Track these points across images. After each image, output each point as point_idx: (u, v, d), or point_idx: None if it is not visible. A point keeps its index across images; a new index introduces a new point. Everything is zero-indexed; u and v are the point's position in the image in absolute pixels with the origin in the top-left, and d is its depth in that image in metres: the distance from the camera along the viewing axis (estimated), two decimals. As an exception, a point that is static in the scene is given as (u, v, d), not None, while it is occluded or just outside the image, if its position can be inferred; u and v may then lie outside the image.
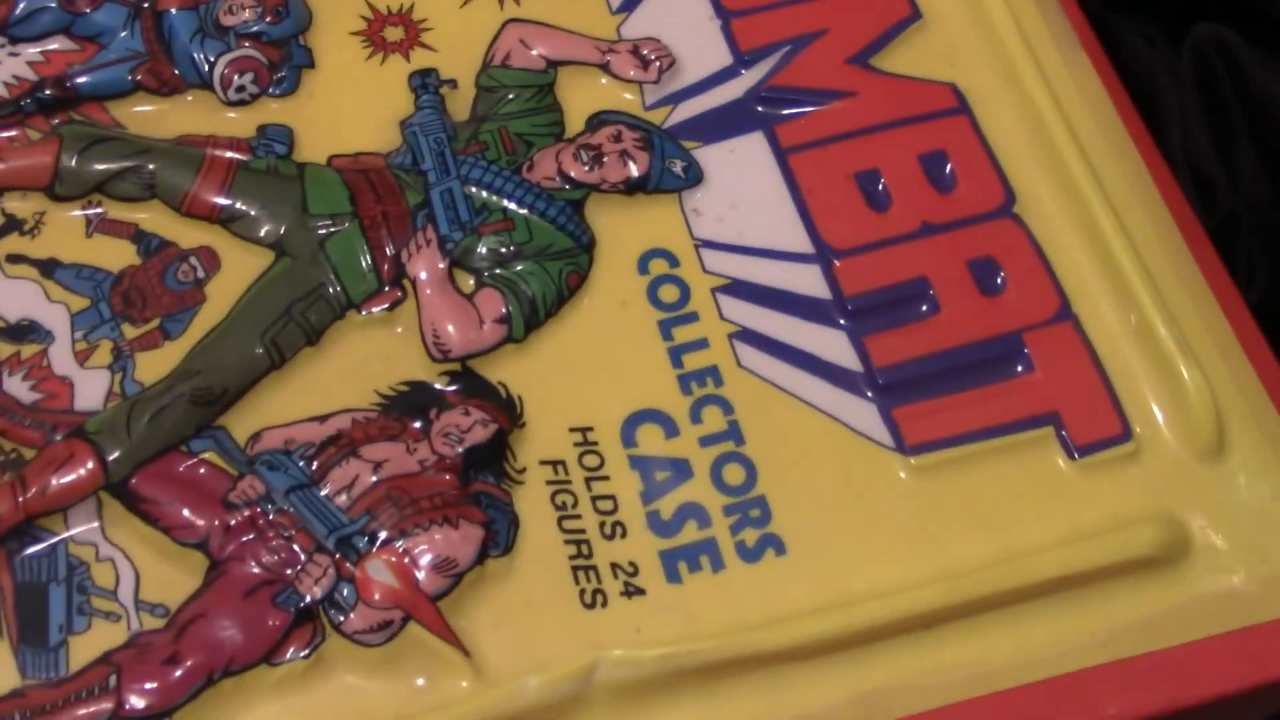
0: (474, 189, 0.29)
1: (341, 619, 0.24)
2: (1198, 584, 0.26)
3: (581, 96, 0.31)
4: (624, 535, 0.26)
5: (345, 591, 0.24)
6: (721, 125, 0.30)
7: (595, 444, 0.27)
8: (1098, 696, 0.25)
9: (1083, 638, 0.25)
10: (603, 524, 0.26)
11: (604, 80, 0.31)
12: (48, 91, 0.30)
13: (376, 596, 0.24)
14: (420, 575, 0.25)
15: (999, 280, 0.28)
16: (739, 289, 0.29)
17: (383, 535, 0.25)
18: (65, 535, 0.25)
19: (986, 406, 0.27)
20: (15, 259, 0.28)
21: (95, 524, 0.25)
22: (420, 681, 0.24)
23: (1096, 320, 0.28)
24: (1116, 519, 0.26)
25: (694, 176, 0.30)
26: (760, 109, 0.31)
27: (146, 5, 0.31)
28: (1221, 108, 0.32)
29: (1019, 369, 0.28)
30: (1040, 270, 0.29)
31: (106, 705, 0.23)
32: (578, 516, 0.26)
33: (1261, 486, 0.27)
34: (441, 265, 0.28)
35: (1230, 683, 0.25)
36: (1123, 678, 0.25)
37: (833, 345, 0.28)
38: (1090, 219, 0.29)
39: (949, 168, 0.30)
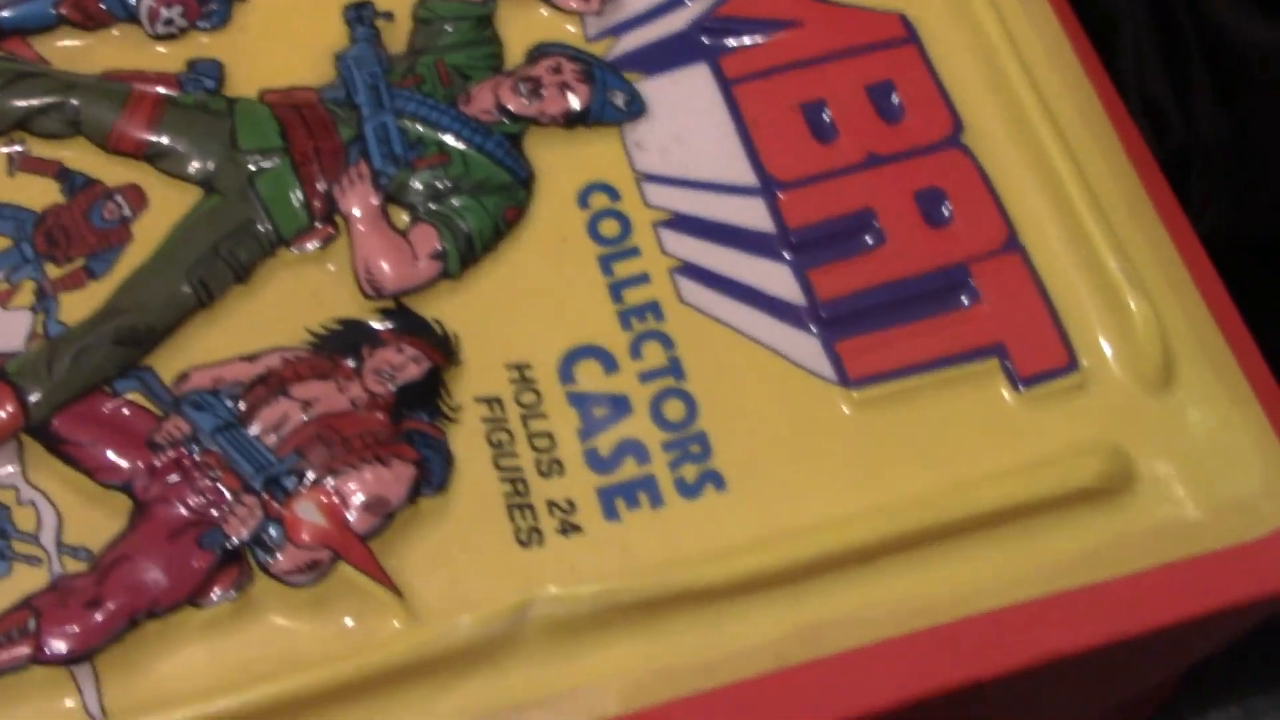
0: (409, 123, 0.28)
1: (269, 560, 0.24)
2: (1143, 515, 0.25)
3: (521, 28, 0.30)
4: (561, 473, 0.25)
5: (273, 532, 0.24)
6: (665, 57, 0.30)
7: (532, 381, 0.26)
8: (1041, 628, 0.24)
9: (1026, 570, 0.25)
10: (539, 461, 0.25)
11: (544, 11, 0.30)
12: (-32, 26, 0.29)
13: (305, 537, 0.24)
14: (350, 515, 0.24)
15: (945, 211, 0.28)
16: (681, 223, 0.28)
17: (312, 475, 0.24)
18: (-15, 478, 0.24)
19: (931, 338, 0.27)
20: (-65, 198, 0.27)
21: (15, 467, 0.24)
22: (350, 622, 0.23)
23: (1044, 251, 0.28)
24: (1061, 450, 0.26)
25: (636, 109, 0.29)
26: (705, 40, 0.30)
27: (69, -63, 0.30)
28: (1176, 40, 0.32)
29: (965, 300, 0.27)
30: (988, 201, 0.28)
31: (24, 650, 0.22)
32: (514, 454, 0.25)
33: (1208, 417, 0.26)
34: (375, 200, 0.27)
35: (1174, 613, 0.25)
36: (1067, 610, 0.25)
37: (776, 279, 0.27)
38: (1040, 149, 0.28)
39: (896, 98, 0.29)
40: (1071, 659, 0.25)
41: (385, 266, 0.27)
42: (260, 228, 0.27)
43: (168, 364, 0.26)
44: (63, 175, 0.28)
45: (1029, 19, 0.30)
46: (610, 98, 0.29)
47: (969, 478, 0.25)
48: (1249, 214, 0.31)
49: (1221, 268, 0.28)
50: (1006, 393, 0.26)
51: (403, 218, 0.27)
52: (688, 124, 0.29)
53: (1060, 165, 0.28)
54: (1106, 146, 0.29)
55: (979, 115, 0.29)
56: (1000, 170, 0.28)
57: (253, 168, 0.27)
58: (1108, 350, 0.27)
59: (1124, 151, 0.29)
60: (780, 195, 0.28)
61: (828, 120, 0.29)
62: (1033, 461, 0.25)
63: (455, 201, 0.27)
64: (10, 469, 0.24)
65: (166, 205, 0.27)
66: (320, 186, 0.27)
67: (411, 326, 0.26)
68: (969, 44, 0.30)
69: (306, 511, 0.24)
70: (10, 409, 0.25)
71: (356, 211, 0.27)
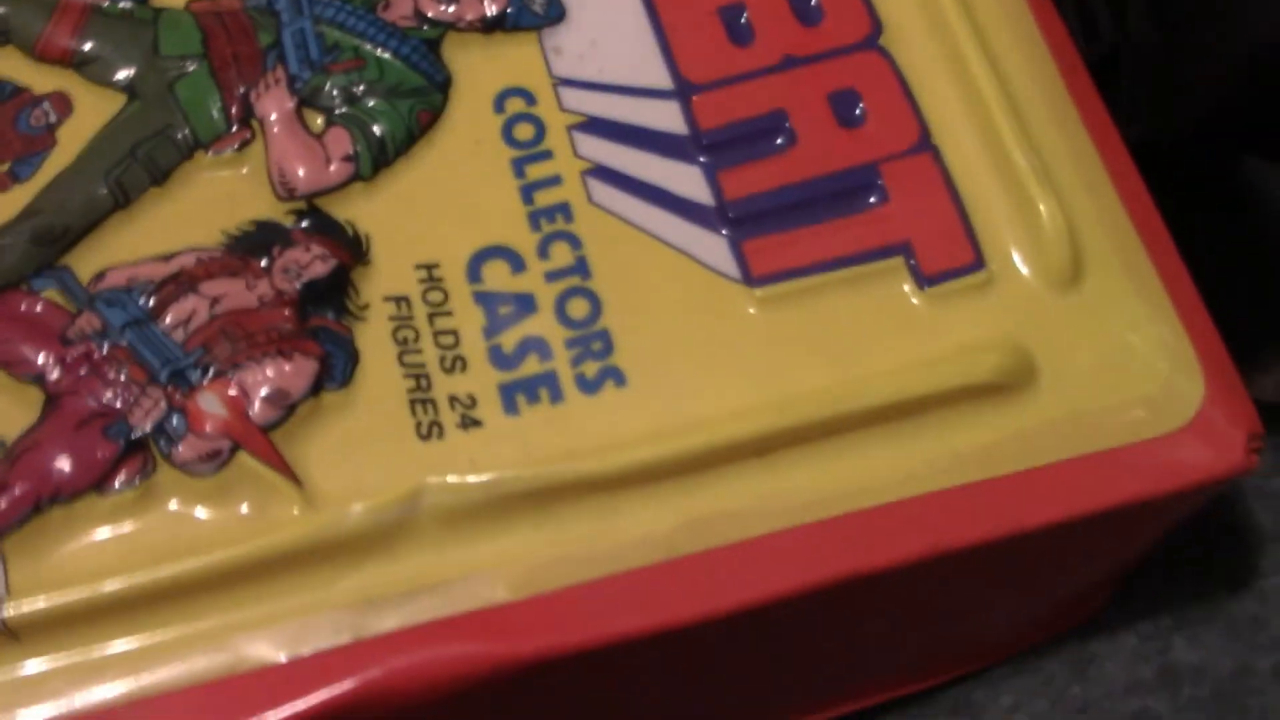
0: (326, 28, 0.28)
1: (172, 449, 0.24)
2: (1043, 412, 0.25)
3: (445, -64, 0.30)
4: (464, 369, 0.26)
5: (176, 422, 0.24)
6: (587, -38, 0.30)
7: (440, 280, 0.26)
8: (937, 521, 0.25)
9: (923, 464, 0.25)
10: (443, 358, 0.26)
11: (469, -80, 0.30)
12: (-95, -60, 0.29)
13: (206, 427, 0.24)
14: (251, 406, 0.25)
15: (858, 112, 0.28)
16: (596, 126, 0.28)
17: (215, 368, 0.25)
18: (-95, 372, 0.25)
19: (837, 237, 0.27)
20: None
21: (-65, 361, 0.25)
22: (249, 510, 0.24)
23: (957, 152, 0.27)
24: (962, 347, 0.26)
25: (554, 14, 0.29)
26: (629, -54, 0.30)
27: None
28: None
29: (873, 200, 0.27)
30: (902, 102, 0.28)
31: (-69, 531, 0.23)
32: (419, 351, 0.26)
33: (1117, 316, 0.26)
34: (289, 104, 0.28)
35: (1070, 508, 0.25)
36: (963, 503, 0.25)
37: (687, 180, 0.27)
38: (957, 51, 0.28)
39: (818, 3, 0.29)
40: (972, 554, 0.25)
41: (298, 169, 0.27)
42: (178, 132, 0.27)
43: (85, 263, 0.26)
44: (-9, 83, 0.29)
45: (958, -79, 0.30)
46: (527, 3, 0.29)
47: (868, 373, 0.25)
48: (1174, 115, 0.30)
49: (1149, 172, 0.28)
50: (910, 291, 0.26)
51: (318, 121, 0.28)
52: (606, 29, 0.29)
53: (977, 66, 0.28)
54: (1030, 49, 0.29)
55: (898, 17, 0.29)
56: (917, 72, 0.28)
57: (173, 73, 0.28)
58: (1015, 250, 0.27)
59: (1050, 54, 0.29)
60: (694, 98, 0.28)
61: (745, 23, 0.29)
62: (935, 358, 0.25)
63: (369, 104, 0.28)
64: (-71, 363, 0.25)
65: (92, 112, 0.28)
66: (238, 91, 0.28)
67: (322, 227, 0.27)
68: (894, -54, 0.30)
69: (208, 403, 0.25)
70: (-71, 305, 0.25)
71: (272, 115, 0.28)
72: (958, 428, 0.25)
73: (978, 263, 0.26)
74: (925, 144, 0.28)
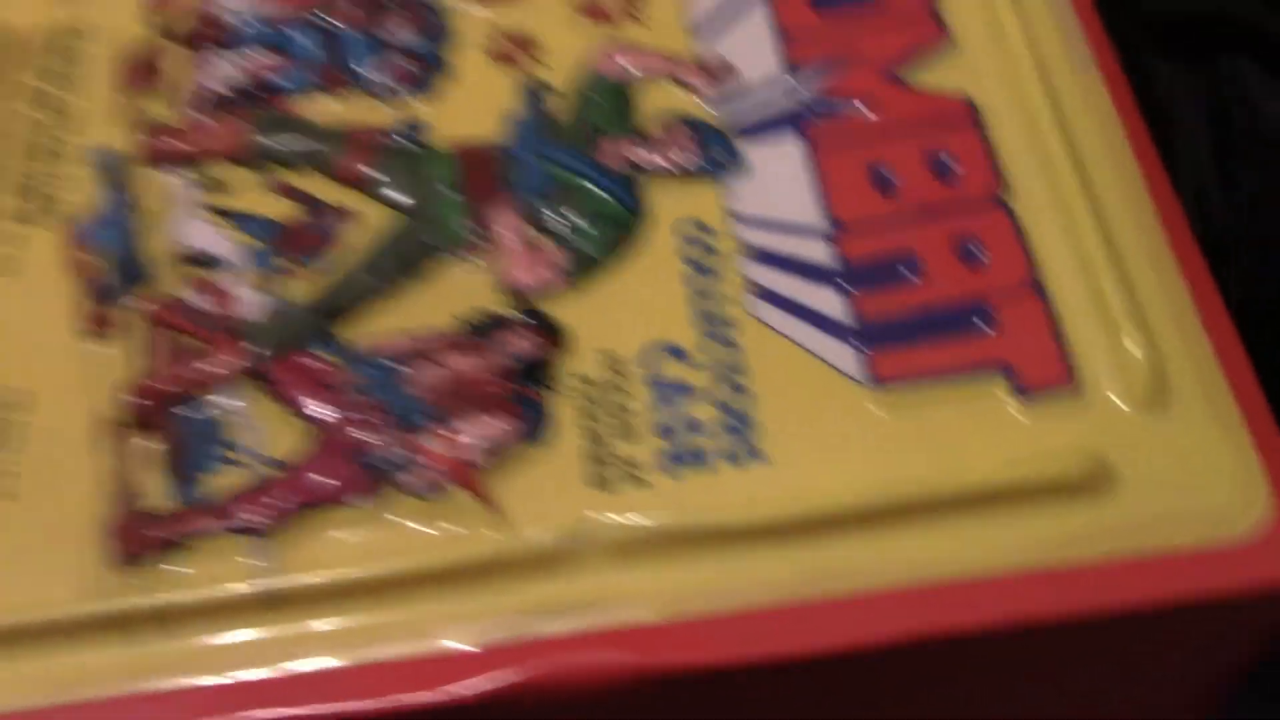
0: (551, 167, 0.36)
1: (402, 478, 0.31)
2: (1117, 514, 0.30)
3: (654, 99, 0.37)
4: (633, 438, 0.32)
5: (408, 458, 0.31)
6: (767, 125, 0.36)
7: (620, 364, 0.33)
8: (1016, 595, 0.29)
9: (1006, 546, 0.29)
10: (617, 427, 0.32)
11: (675, 89, 0.37)
12: (250, 88, 0.39)
13: (431, 463, 0.31)
14: (466, 451, 0.31)
15: (979, 255, 0.33)
16: (759, 254, 0.34)
17: (443, 419, 0.32)
18: (216, 404, 0.33)
19: (950, 354, 0.32)
20: (212, 209, 0.37)
21: (240, 400, 0.33)
22: (454, 527, 0.31)
23: (1062, 292, 0.32)
24: (1049, 450, 0.30)
25: (736, 166, 0.36)
26: (801, 115, 0.36)
27: (326, 25, 0.39)
28: (1228, 135, 0.36)
29: (984, 326, 0.32)
30: (1018, 249, 0.33)
31: (220, 522, 0.31)
32: (596, 420, 0.32)
33: (1194, 440, 0.30)
34: (518, 223, 0.35)
35: (1130, 596, 0.29)
36: (1040, 583, 0.29)
37: (829, 301, 0.33)
38: (1070, 211, 0.33)
39: (953, 165, 0.35)
40: (1044, 633, 0.29)
41: (520, 274, 0.34)
42: (433, 240, 0.35)
43: (353, 333, 0.34)
44: (302, 197, 0.37)
45: (1085, 106, 0.35)
46: (715, 156, 0.36)
47: (964, 465, 0.30)
48: (1270, 285, 0.34)
49: (1257, 340, 0.32)
50: (1008, 401, 0.31)
51: (538, 238, 0.35)
52: (775, 177, 0.35)
53: (1086, 225, 0.33)
54: (1141, 219, 0.34)
55: (1023, 180, 0.34)
56: (1035, 225, 0.34)
57: (435, 196, 0.36)
58: (1105, 375, 0.31)
59: (1158, 225, 0.34)
60: (841, 235, 0.34)
61: (889, 177, 0.35)
62: (1021, 457, 0.30)
63: (579, 226, 0.35)
64: (238, 402, 0.33)
65: (371, 221, 0.36)
66: (481, 211, 0.35)
67: (534, 318, 0.34)
68: (1024, 123, 0.35)
69: (434, 445, 0.31)
70: (239, 357, 0.33)
71: (504, 231, 0.35)
72: (1039, 518, 0.30)
73: (1070, 383, 0.31)
74: (1034, 284, 0.33)
